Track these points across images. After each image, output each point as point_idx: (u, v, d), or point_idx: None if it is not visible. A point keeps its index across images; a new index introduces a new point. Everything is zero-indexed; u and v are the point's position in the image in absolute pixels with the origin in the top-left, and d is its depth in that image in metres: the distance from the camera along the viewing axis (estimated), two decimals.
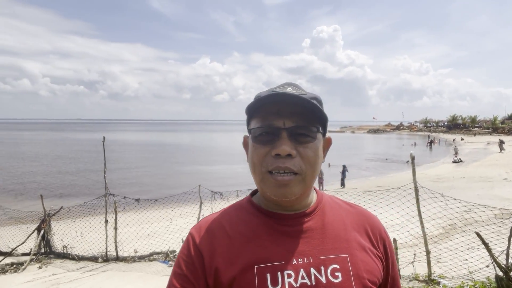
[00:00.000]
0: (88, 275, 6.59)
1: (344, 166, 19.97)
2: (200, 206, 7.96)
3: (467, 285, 4.73)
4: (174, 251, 7.37)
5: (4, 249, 8.29)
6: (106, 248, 7.51)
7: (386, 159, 34.28)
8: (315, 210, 0.94)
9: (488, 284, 4.59)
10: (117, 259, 7.41)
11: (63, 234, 8.39)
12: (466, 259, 5.39)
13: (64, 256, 7.78)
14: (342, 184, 19.36)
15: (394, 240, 5.47)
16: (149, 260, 7.26)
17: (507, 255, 4.23)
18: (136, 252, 7.70)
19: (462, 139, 57.91)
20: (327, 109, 0.93)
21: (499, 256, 4.29)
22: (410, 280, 5.24)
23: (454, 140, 57.17)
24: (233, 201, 1.05)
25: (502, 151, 33.23)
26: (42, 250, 7.90)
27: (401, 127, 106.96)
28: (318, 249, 0.87)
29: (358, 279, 0.85)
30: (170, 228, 8.25)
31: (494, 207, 5.62)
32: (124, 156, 38.39)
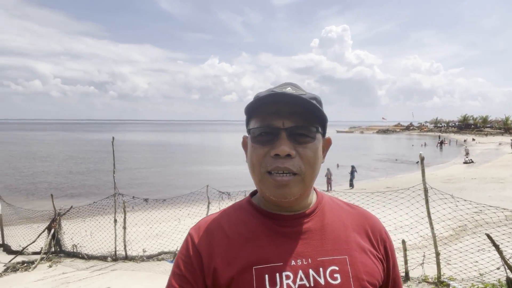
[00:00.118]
0: (97, 274, 6.65)
1: (352, 167, 19.84)
2: (208, 206, 7.98)
3: None
4: None
5: (15, 248, 8.42)
6: (115, 248, 7.57)
7: (396, 160, 33.97)
8: (315, 211, 0.93)
9: (498, 287, 4.52)
10: (126, 258, 7.46)
11: (73, 233, 8.49)
12: (477, 261, 5.31)
13: (74, 255, 7.86)
14: (351, 185, 19.24)
15: (403, 241, 5.43)
16: (158, 260, 7.30)
17: None
18: (144, 251, 7.75)
19: (473, 139, 57.19)
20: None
21: (510, 258, 4.23)
22: (419, 282, 5.19)
23: (465, 140, 56.51)
24: None
25: None
26: (53, 249, 7.99)
27: (411, 128, 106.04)
28: (317, 250, 0.86)
29: (357, 281, 0.84)
30: (178, 228, 8.29)
31: (505, 209, 5.53)
32: (134, 156, 38.71)
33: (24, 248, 8.04)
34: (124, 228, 7.52)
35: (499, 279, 4.69)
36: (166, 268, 6.62)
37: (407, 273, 5.30)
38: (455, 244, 6.33)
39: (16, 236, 8.89)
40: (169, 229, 8.21)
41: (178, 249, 7.49)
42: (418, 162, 5.47)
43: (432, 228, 5.24)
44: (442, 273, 5.18)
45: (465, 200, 5.55)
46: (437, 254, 5.15)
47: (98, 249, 7.90)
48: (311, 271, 0.83)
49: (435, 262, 5.20)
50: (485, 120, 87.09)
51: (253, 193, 1.00)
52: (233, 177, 22.76)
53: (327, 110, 0.90)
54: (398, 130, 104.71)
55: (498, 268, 4.75)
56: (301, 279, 0.82)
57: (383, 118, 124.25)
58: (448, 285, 4.96)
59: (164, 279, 5.98)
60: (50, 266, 7.21)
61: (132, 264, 7.20)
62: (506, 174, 18.96)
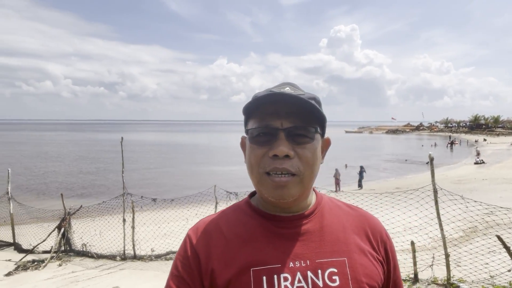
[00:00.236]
0: (106, 273, 6.70)
1: (361, 167, 19.73)
2: (216, 206, 8.00)
3: None
4: None
5: (26, 247, 8.53)
6: (124, 247, 7.63)
7: (406, 160, 33.70)
8: (314, 212, 0.92)
9: None
10: (135, 257, 7.51)
11: (83, 233, 8.57)
12: (487, 263, 5.24)
13: (84, 254, 7.94)
14: (360, 185, 19.13)
15: (412, 242, 5.37)
16: (166, 259, 7.34)
17: None
18: (153, 251, 7.80)
19: (485, 139, 56.46)
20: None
21: None
22: (428, 284, 5.13)
23: (476, 141, 55.80)
24: None
25: None
26: (62, 248, 8.08)
27: (421, 128, 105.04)
28: (315, 252, 0.85)
29: (356, 283, 0.83)
30: (186, 227, 8.30)
31: None
32: (143, 156, 39.03)
33: (34, 247, 8.14)
34: (133, 227, 7.57)
35: (510, 281, 4.62)
36: None
37: (416, 274, 5.25)
38: (465, 246, 6.25)
39: (27, 235, 9.01)
40: (177, 229, 8.24)
41: None
42: (428, 162, 5.41)
43: (441, 230, 5.18)
44: (451, 275, 5.11)
45: (475, 201, 5.47)
46: (447, 256, 5.09)
47: (107, 248, 7.97)
48: (309, 273, 0.82)
49: (445, 264, 5.14)
50: (496, 120, 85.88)
51: (252, 194, 0.99)
52: (240, 177, 22.78)
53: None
54: (407, 130, 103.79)
55: (509, 270, 4.69)
56: (299, 281, 0.81)
57: (392, 118, 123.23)
58: (458, 287, 4.90)
59: None
60: (60, 265, 7.29)
61: (140, 263, 7.25)
62: None
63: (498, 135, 66.96)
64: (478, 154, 30.30)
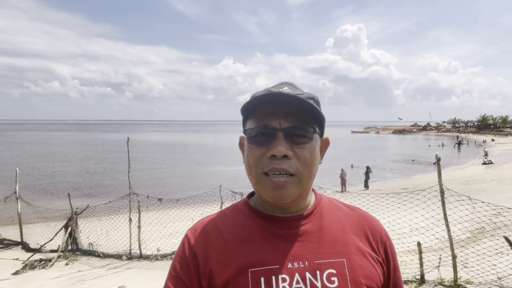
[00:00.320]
0: (112, 272, 6.74)
1: (367, 167, 19.62)
2: (221, 206, 8.00)
3: None
4: None
5: (33, 246, 8.61)
6: (130, 246, 7.67)
7: (413, 160, 33.47)
8: (313, 212, 0.91)
9: None
10: (141, 257, 7.55)
11: (89, 232, 8.64)
12: (495, 264, 5.18)
13: (90, 253, 7.99)
14: (366, 186, 19.03)
15: (419, 243, 5.34)
16: (171, 259, 7.35)
17: None
18: (158, 250, 7.83)
19: (493, 140, 55.89)
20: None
21: None
22: (435, 285, 5.09)
23: (484, 141, 55.27)
24: None
25: None
26: (69, 247, 8.15)
27: (428, 128, 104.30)
28: (314, 253, 0.85)
29: (355, 284, 0.82)
30: None
31: None
32: (149, 156, 39.20)
33: (42, 246, 8.22)
34: (139, 227, 7.61)
35: None
36: None
37: (422, 276, 5.21)
38: (472, 247, 6.18)
39: (35, 234, 9.10)
40: (182, 228, 8.25)
41: None
42: (435, 163, 5.37)
43: (448, 230, 5.14)
44: (458, 276, 5.07)
45: (482, 202, 5.42)
46: (454, 257, 5.05)
47: (114, 247, 8.02)
48: (307, 274, 0.82)
49: (452, 265, 5.10)
50: (505, 120, 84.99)
51: (251, 195, 0.98)
52: (246, 177, 22.72)
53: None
54: (415, 130, 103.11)
55: None
56: (298, 282, 0.80)
57: (399, 118, 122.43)
58: None
59: None
60: (67, 264, 7.35)
61: (146, 262, 7.28)
62: None
63: (506, 135, 66.26)
64: (486, 154, 30.04)
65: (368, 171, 19.44)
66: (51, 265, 7.24)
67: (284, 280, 0.80)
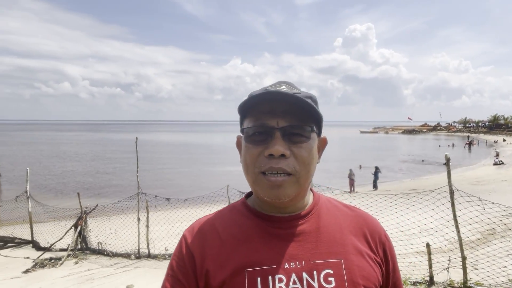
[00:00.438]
0: (121, 271, 6.79)
1: (376, 168, 19.46)
2: None
3: None
4: None
5: (43, 245, 8.73)
6: (139, 246, 7.72)
7: (422, 161, 33.13)
8: (310, 212, 0.90)
9: None
10: (149, 256, 7.60)
11: (98, 231, 8.72)
12: (505, 266, 5.11)
13: (99, 252, 8.07)
14: (374, 186, 18.88)
15: (428, 244, 5.28)
16: None
17: None
18: (166, 250, 7.87)
19: (504, 140, 55.06)
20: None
21: None
22: (444, 287, 5.03)
23: (495, 141, 54.49)
24: None
25: None
26: (79, 246, 8.24)
27: (438, 128, 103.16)
28: (311, 253, 0.84)
29: (352, 285, 0.81)
30: None
31: None
32: (157, 156, 39.42)
33: (52, 245, 8.33)
34: (147, 226, 7.66)
35: None
36: None
37: (431, 277, 5.16)
38: (483, 248, 6.10)
39: (45, 233, 9.21)
40: None
41: None
42: (445, 163, 5.31)
43: (458, 232, 5.08)
44: (468, 278, 5.00)
45: (493, 203, 5.34)
46: (463, 258, 4.98)
47: (122, 246, 8.08)
48: (304, 275, 0.81)
49: (461, 267, 5.03)
50: None
51: (249, 194, 0.98)
52: None
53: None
54: (424, 130, 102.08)
55: None
56: (294, 283, 0.80)
57: (409, 118, 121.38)
58: None
59: None
60: (76, 263, 7.43)
61: (154, 262, 7.32)
62: None
63: None
64: (497, 154, 29.60)
65: (377, 172, 19.27)
66: (61, 264, 7.33)
67: (280, 280, 0.80)
